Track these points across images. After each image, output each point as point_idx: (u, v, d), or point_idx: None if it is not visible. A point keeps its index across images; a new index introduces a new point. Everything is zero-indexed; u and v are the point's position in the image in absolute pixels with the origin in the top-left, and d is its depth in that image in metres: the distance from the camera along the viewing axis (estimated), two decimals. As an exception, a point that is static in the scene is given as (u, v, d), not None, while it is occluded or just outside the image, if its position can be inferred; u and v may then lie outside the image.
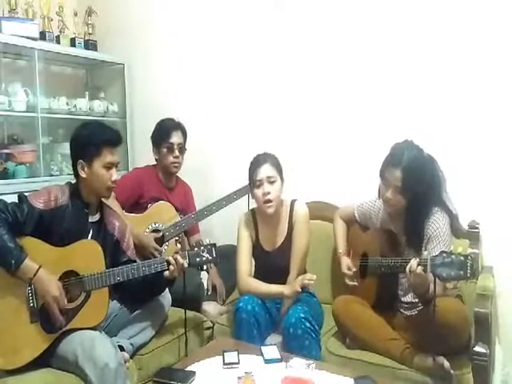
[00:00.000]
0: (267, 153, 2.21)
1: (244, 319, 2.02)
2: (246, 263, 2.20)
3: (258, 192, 2.13)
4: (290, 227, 2.22)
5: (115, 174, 1.91)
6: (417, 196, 1.94)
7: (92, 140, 1.86)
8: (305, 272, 2.27)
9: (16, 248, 1.70)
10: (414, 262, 1.77)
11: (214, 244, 1.95)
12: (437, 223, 1.95)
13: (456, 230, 2.04)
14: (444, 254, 1.69)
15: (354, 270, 2.20)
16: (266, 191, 2.10)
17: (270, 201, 2.12)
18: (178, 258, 1.88)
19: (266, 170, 2.12)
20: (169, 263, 1.88)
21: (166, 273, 1.89)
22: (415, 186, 1.92)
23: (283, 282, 2.15)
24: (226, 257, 2.36)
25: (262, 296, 2.11)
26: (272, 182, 2.12)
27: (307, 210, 2.23)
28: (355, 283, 2.19)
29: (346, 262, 2.23)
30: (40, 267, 1.72)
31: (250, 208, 2.34)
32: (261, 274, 2.21)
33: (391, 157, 1.98)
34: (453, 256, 1.67)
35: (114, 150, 1.89)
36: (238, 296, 2.60)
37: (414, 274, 1.76)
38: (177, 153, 2.64)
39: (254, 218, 2.27)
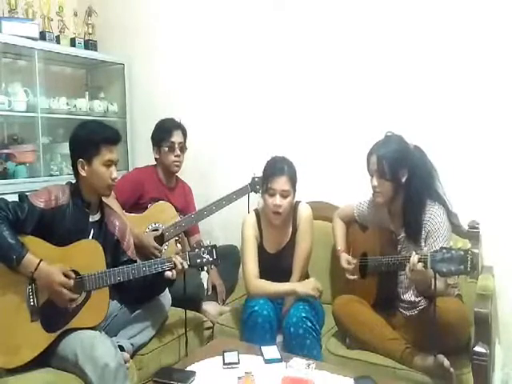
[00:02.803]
0: (286, 159, 2.16)
1: (259, 324, 2.01)
2: (253, 265, 2.17)
3: (270, 200, 2.12)
4: (294, 229, 2.21)
5: (115, 172, 1.92)
6: (406, 184, 1.95)
7: (91, 138, 1.87)
8: (307, 273, 2.26)
9: (17, 244, 1.70)
10: (414, 258, 1.75)
11: (215, 245, 1.95)
12: (435, 218, 1.95)
13: (455, 228, 2.04)
14: (444, 250, 1.68)
15: (354, 262, 2.19)
16: (278, 204, 2.10)
17: (279, 213, 2.12)
18: (179, 258, 1.89)
19: (282, 184, 2.09)
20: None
21: (167, 273, 1.89)
22: (394, 166, 1.95)
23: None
24: (225, 257, 2.36)
25: (272, 296, 2.10)
26: (285, 196, 2.11)
27: (311, 212, 2.22)
28: (355, 277, 2.18)
29: (346, 257, 2.23)
30: (41, 260, 1.72)
31: (253, 209, 2.33)
32: (264, 275, 2.18)
33: (370, 149, 2.05)
34: (453, 251, 1.66)
35: (113, 147, 1.90)
36: (237, 296, 2.61)
37: (414, 270, 1.75)
38: (178, 152, 2.64)
39: (258, 219, 2.26)
